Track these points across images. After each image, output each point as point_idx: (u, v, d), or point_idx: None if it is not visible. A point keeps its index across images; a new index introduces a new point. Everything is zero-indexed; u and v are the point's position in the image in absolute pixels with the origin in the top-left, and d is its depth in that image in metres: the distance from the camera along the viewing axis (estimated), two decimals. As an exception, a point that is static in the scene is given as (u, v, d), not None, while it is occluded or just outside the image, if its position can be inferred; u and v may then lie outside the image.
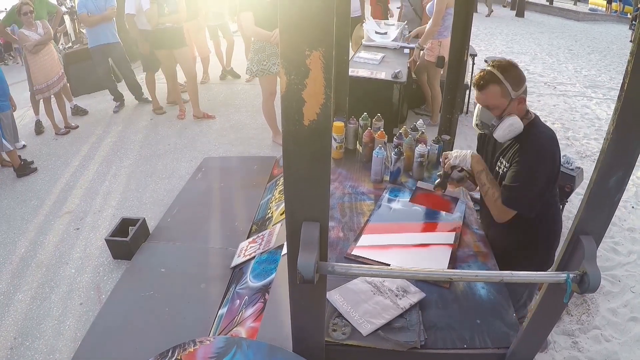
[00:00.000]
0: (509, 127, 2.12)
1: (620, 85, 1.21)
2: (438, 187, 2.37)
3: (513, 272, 1.46)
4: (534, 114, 2.24)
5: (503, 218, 2.20)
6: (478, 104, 2.25)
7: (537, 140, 2.12)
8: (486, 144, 2.48)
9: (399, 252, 2.30)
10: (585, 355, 2.98)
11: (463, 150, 2.35)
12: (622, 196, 1.38)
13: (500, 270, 2.22)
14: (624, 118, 1.22)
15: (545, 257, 2.36)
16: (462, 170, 2.41)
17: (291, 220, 1.38)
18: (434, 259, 2.26)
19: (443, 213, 2.65)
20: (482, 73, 2.16)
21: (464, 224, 2.55)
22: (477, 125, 2.29)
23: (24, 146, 5.94)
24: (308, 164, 1.27)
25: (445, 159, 2.39)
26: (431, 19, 5.52)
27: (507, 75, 2.09)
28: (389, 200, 2.77)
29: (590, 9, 20.58)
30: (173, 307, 2.85)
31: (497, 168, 2.30)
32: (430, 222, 2.59)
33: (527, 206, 2.12)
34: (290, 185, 1.32)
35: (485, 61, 7.08)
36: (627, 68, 1.16)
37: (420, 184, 2.41)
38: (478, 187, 2.34)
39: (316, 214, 1.36)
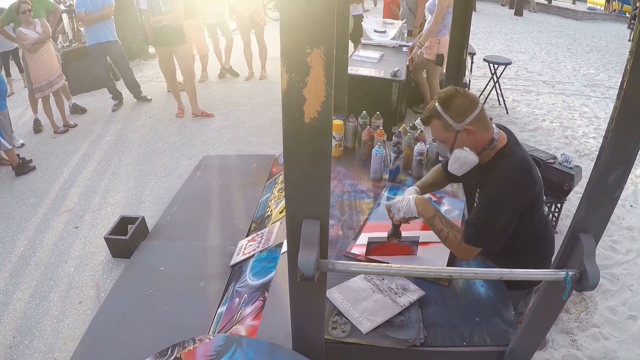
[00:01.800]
0: (457, 161, 2.01)
1: (618, 84, 1.21)
2: (392, 237, 2.23)
3: (512, 269, 1.46)
4: (509, 138, 2.08)
5: (468, 257, 2.08)
6: None
7: (501, 172, 1.95)
8: (468, 172, 2.28)
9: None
10: (583, 353, 2.99)
11: (405, 197, 2.18)
12: (621, 194, 1.38)
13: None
14: (623, 116, 1.22)
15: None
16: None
17: (291, 218, 1.38)
18: (433, 257, 2.26)
19: (443, 211, 2.65)
20: (427, 107, 2.06)
21: (463, 222, 2.55)
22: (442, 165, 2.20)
23: (23, 145, 5.94)
24: (309, 161, 1.27)
25: (389, 211, 2.24)
26: (432, 18, 5.52)
27: (446, 107, 1.96)
28: (388, 199, 2.77)
29: (589, 8, 20.59)
30: (172, 306, 2.85)
31: (476, 199, 2.19)
32: None
33: (490, 243, 2.00)
34: (291, 182, 1.32)
35: (485, 60, 7.08)
36: (626, 67, 1.17)
37: (371, 237, 2.31)
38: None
39: (316, 212, 1.35)
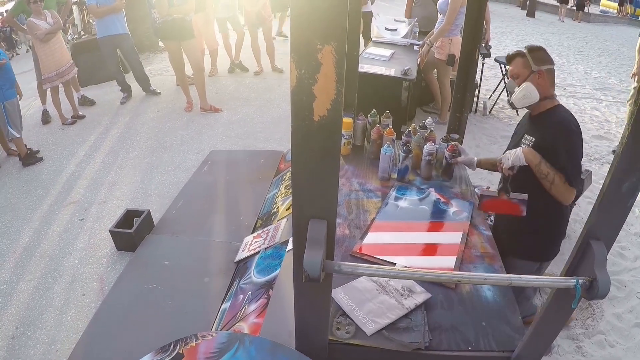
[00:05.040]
0: (523, 92, 2.37)
1: (629, 88, 1.18)
2: (501, 191, 2.34)
3: (521, 275, 1.44)
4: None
5: (570, 199, 2.33)
6: None
7: (562, 119, 2.32)
8: (519, 124, 2.69)
9: (405, 251, 2.28)
10: (589, 360, 2.97)
11: (514, 150, 2.38)
12: (634, 202, 1.36)
13: (505, 270, 2.22)
14: (639, 123, 1.20)
15: (552, 244, 2.58)
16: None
17: (298, 217, 1.36)
18: (439, 262, 2.24)
19: (451, 212, 2.64)
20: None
21: (470, 224, 2.53)
22: (508, 100, 2.58)
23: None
24: (317, 160, 1.25)
25: (500, 164, 2.41)
26: (444, 17, 5.48)
27: (530, 51, 2.39)
28: (396, 199, 2.75)
29: (601, 11, 20.49)
30: (176, 301, 2.83)
31: (522, 144, 2.45)
32: (438, 222, 2.57)
33: (579, 179, 2.38)
34: (298, 181, 1.30)
35: (496, 60, 7.04)
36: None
37: (482, 191, 2.42)
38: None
39: (324, 212, 1.34)
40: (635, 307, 3.41)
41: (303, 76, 1.12)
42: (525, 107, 2.45)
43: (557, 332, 1.72)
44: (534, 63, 2.36)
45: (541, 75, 2.36)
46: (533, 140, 2.39)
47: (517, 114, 6.91)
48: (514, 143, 2.60)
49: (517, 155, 2.32)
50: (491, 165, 2.81)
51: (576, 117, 2.34)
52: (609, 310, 3.37)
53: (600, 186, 1.38)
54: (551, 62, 2.40)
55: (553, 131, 2.30)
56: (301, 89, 1.14)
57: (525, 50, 2.42)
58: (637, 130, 1.21)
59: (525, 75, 2.40)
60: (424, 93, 6.57)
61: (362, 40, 7.76)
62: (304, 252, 1.31)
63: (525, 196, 2.33)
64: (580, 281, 1.39)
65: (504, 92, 7.02)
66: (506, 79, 7.21)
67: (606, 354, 3.01)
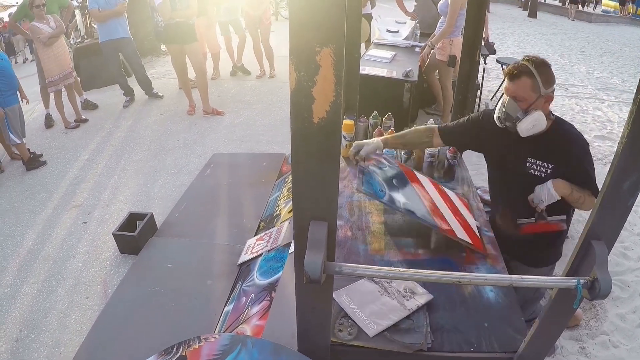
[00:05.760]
0: (534, 122, 2.14)
1: (632, 87, 1.18)
2: (540, 219, 2.31)
3: (523, 276, 1.44)
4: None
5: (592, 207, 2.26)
6: (504, 96, 2.26)
7: (578, 136, 2.23)
8: (505, 142, 2.36)
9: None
10: (592, 360, 2.96)
11: (544, 187, 2.21)
12: (635, 201, 1.36)
13: (509, 271, 2.22)
14: (639, 121, 1.20)
15: (558, 250, 2.54)
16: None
17: (299, 219, 1.36)
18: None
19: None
20: (516, 64, 2.19)
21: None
22: (499, 117, 2.26)
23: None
24: (317, 162, 1.25)
25: (532, 202, 2.27)
26: (445, 19, 5.48)
27: (540, 71, 2.12)
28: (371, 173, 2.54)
29: (603, 11, 20.45)
30: (179, 303, 2.84)
31: (529, 170, 2.28)
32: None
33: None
34: (299, 183, 1.31)
35: (498, 61, 7.04)
36: (644, 70, 1.14)
37: (520, 220, 2.38)
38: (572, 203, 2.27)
39: (324, 214, 1.34)
40: (639, 307, 3.39)
41: (302, 78, 1.12)
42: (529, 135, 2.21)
43: (559, 332, 1.72)
44: (543, 86, 2.13)
45: (548, 99, 2.17)
46: (552, 167, 2.22)
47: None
48: (511, 167, 2.38)
49: (550, 194, 2.18)
50: (401, 145, 2.74)
51: (578, 118, 2.31)
52: (612, 310, 3.36)
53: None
54: (555, 80, 2.21)
55: (575, 153, 2.20)
56: (300, 91, 1.14)
57: (532, 68, 2.13)
58: (636, 129, 1.21)
59: (532, 99, 2.15)
60: (426, 94, 6.56)
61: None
62: (305, 254, 1.32)
63: (563, 217, 2.32)
64: (582, 281, 1.39)
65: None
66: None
67: (610, 355, 3.00)
